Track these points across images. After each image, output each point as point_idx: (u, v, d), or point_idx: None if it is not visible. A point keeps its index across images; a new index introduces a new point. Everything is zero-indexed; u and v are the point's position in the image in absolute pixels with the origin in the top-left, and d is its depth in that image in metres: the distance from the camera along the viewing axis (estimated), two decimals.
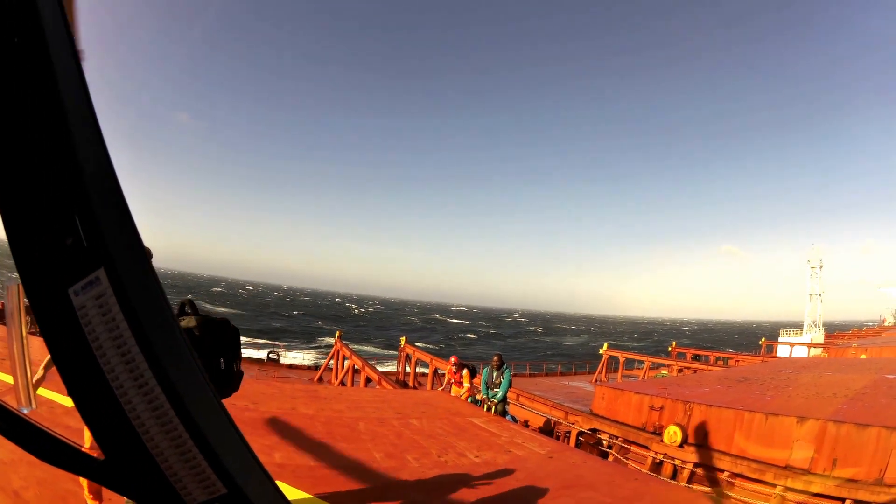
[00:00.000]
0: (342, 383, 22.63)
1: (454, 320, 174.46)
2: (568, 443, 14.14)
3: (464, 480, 7.29)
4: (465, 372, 15.06)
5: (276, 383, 13.85)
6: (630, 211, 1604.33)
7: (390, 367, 30.38)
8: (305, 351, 52.92)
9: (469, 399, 14.42)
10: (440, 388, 15.92)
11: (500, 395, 13.52)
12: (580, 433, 14.78)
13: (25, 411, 2.08)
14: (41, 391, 4.56)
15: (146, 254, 0.77)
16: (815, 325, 55.18)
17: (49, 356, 3.92)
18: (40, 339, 0.86)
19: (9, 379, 4.19)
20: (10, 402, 1.11)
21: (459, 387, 15.11)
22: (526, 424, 15.44)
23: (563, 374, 36.79)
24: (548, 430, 15.56)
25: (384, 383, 19.11)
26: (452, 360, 15.97)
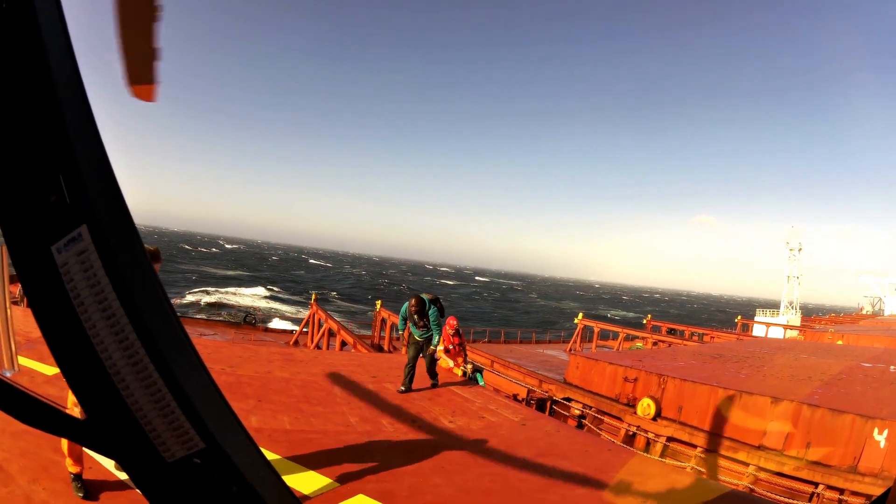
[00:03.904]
0: (318, 347, 22.51)
1: (434, 279, 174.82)
2: (543, 411, 14.14)
3: (438, 446, 7.22)
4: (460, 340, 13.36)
5: (251, 346, 13.67)
6: (600, 171, 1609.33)
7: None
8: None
9: (463, 372, 13.00)
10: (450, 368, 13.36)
11: (434, 340, 10.44)
12: (554, 401, 14.83)
13: (8, 374, 2.04)
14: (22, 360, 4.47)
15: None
16: (792, 307, 55.69)
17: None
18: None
19: None
20: None
21: (454, 357, 13.25)
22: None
23: (537, 342, 36.95)
24: (522, 397, 15.51)
25: (359, 347, 19.02)
26: (452, 323, 13.42)
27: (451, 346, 13.38)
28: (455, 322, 13.59)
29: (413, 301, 10.27)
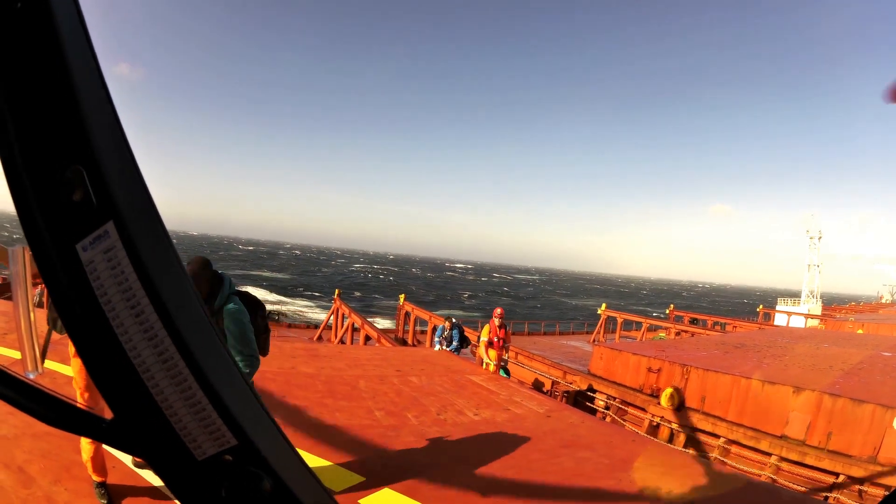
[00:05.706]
0: (342, 341, 22.62)
1: (455, 275, 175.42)
2: (568, 402, 14.12)
3: (463, 439, 7.27)
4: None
5: (275, 342, 13.71)
6: (614, 161, 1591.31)
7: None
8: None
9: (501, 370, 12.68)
10: (487, 364, 12.80)
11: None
12: (578, 392, 14.82)
13: (32, 377, 2.04)
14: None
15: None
16: (813, 296, 54.94)
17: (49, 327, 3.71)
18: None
19: (14, 354, 4.13)
20: (16, 369, 1.04)
21: (498, 349, 12.71)
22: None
23: (561, 334, 36.92)
24: (546, 389, 15.53)
25: (383, 341, 19.04)
26: (498, 312, 12.86)
27: (496, 339, 12.75)
28: (501, 311, 12.97)
29: (194, 266, 4.08)
